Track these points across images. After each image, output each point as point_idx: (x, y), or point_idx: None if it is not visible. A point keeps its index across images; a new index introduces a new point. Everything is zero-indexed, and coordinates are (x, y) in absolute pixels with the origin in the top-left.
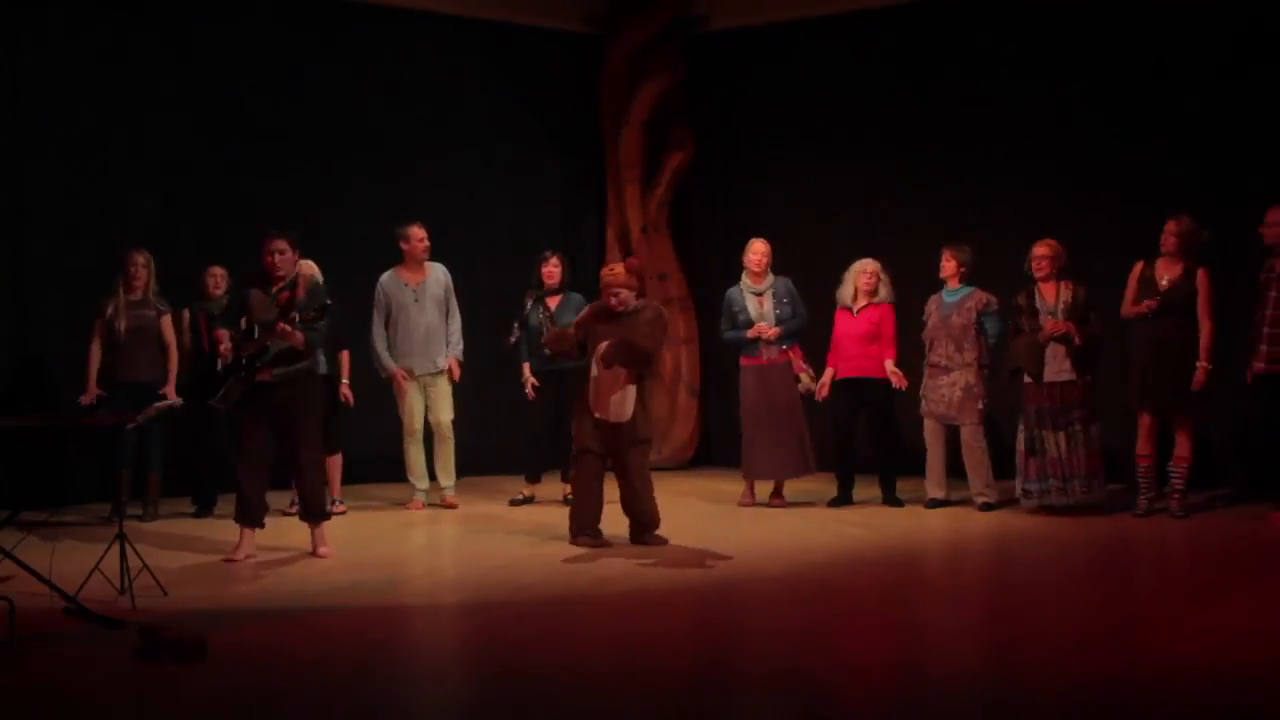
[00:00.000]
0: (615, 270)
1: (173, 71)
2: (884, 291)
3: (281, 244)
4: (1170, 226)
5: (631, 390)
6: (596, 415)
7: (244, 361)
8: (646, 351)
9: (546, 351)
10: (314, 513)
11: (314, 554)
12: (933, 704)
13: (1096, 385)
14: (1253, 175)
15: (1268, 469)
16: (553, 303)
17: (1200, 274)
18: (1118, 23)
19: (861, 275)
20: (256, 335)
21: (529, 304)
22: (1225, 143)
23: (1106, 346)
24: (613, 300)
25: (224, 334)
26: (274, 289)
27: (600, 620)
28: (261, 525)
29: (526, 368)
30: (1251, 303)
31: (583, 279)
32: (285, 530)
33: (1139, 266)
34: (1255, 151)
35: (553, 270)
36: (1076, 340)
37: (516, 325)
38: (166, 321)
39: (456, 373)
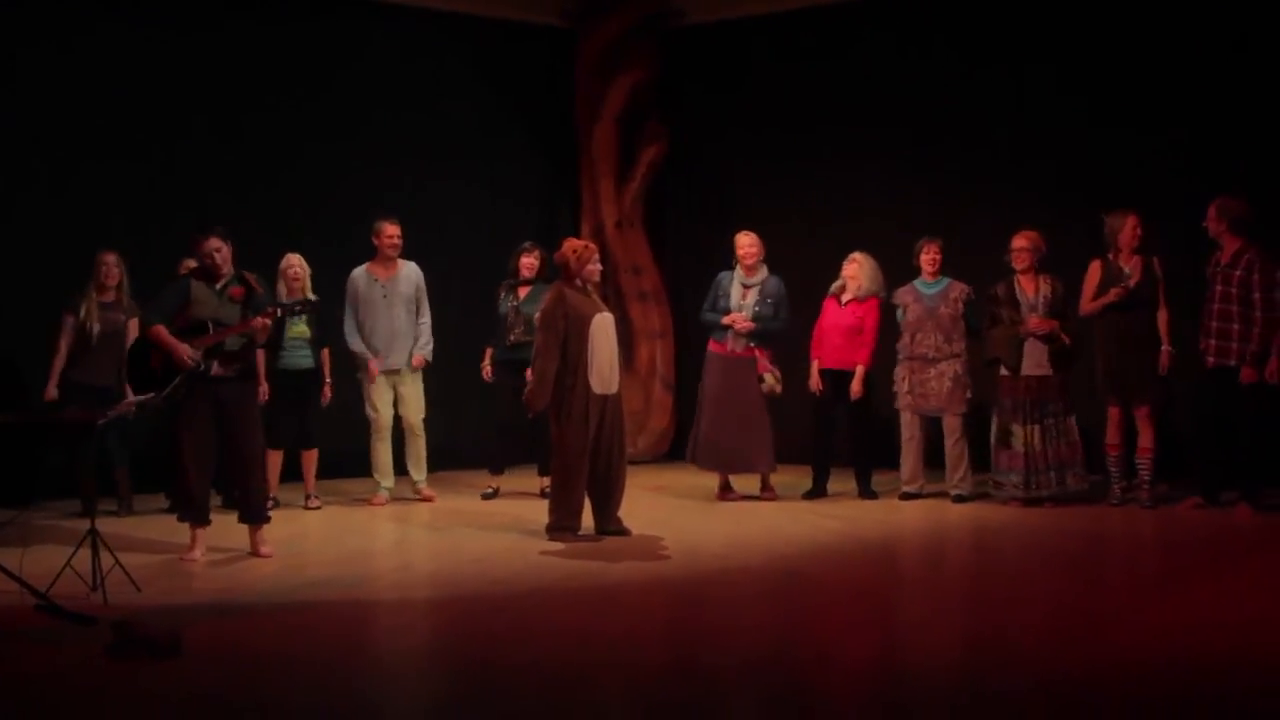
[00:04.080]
0: (594, 247)
1: (150, 67)
2: (869, 285)
3: (218, 243)
4: (1134, 221)
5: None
6: (600, 392)
7: (201, 358)
8: None
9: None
10: (256, 514)
11: (256, 554)
12: (908, 696)
13: (1071, 380)
14: (1216, 170)
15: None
16: (522, 292)
17: (1156, 262)
18: (1094, 20)
19: (846, 265)
20: (211, 330)
21: (502, 294)
22: (1187, 140)
23: (1081, 342)
24: (597, 272)
25: (185, 349)
26: (219, 284)
27: (576, 614)
28: (209, 523)
29: (489, 354)
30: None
31: None
32: (233, 530)
33: (1097, 263)
34: (1219, 148)
35: (533, 262)
36: (1065, 340)
37: (488, 369)
38: (134, 325)
39: (417, 364)
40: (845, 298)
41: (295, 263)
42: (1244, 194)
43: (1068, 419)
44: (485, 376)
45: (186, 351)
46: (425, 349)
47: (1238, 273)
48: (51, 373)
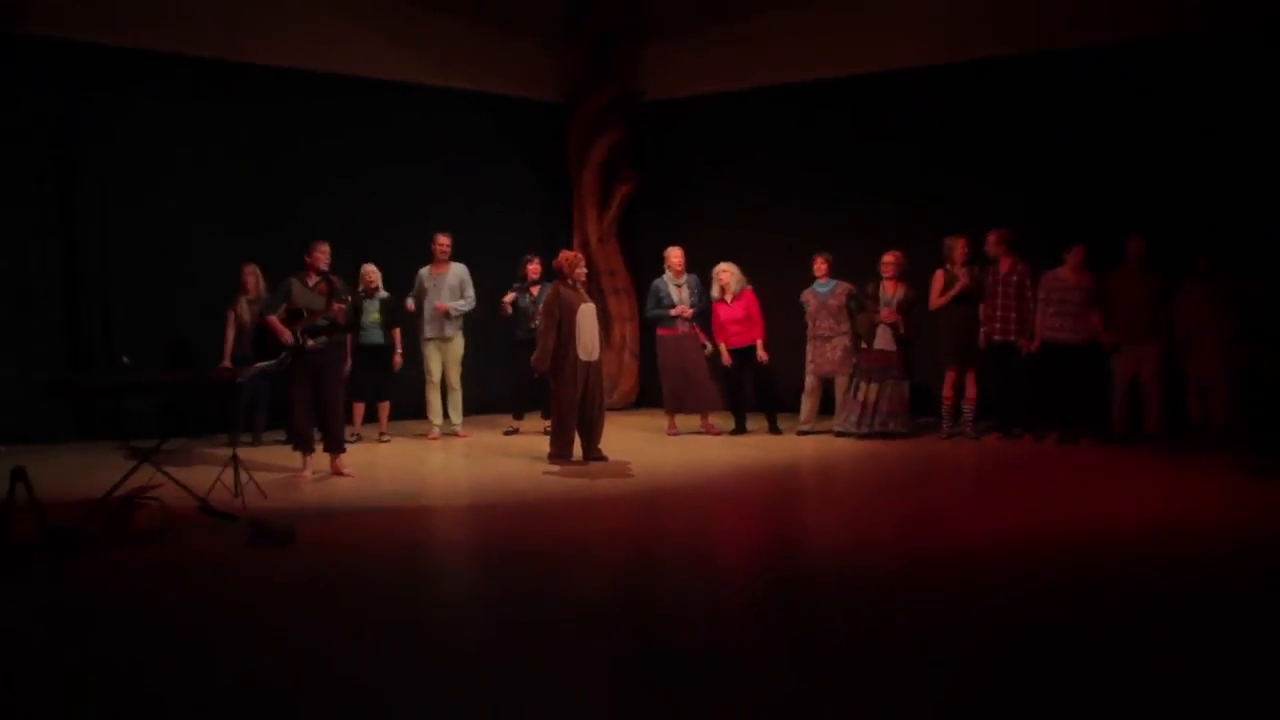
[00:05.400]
0: (581, 256)
1: (285, 151)
2: (736, 284)
3: (326, 247)
4: (964, 242)
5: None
6: (584, 359)
7: (299, 335)
8: None
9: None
10: (336, 446)
11: (339, 474)
12: (804, 575)
13: (911, 356)
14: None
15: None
16: (534, 291)
17: (978, 271)
18: (946, 110)
19: (719, 275)
20: (305, 316)
21: (519, 294)
22: (994, 188)
23: (921, 331)
24: (583, 274)
25: (286, 331)
26: (311, 282)
27: (569, 517)
28: (313, 451)
29: (510, 297)
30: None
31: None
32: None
33: (940, 272)
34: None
35: (537, 267)
36: (901, 330)
37: (508, 304)
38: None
39: (440, 308)
40: (728, 297)
41: (371, 270)
42: (1015, 224)
43: (902, 383)
44: (505, 309)
45: (286, 333)
46: (452, 305)
47: (1014, 278)
48: (225, 353)
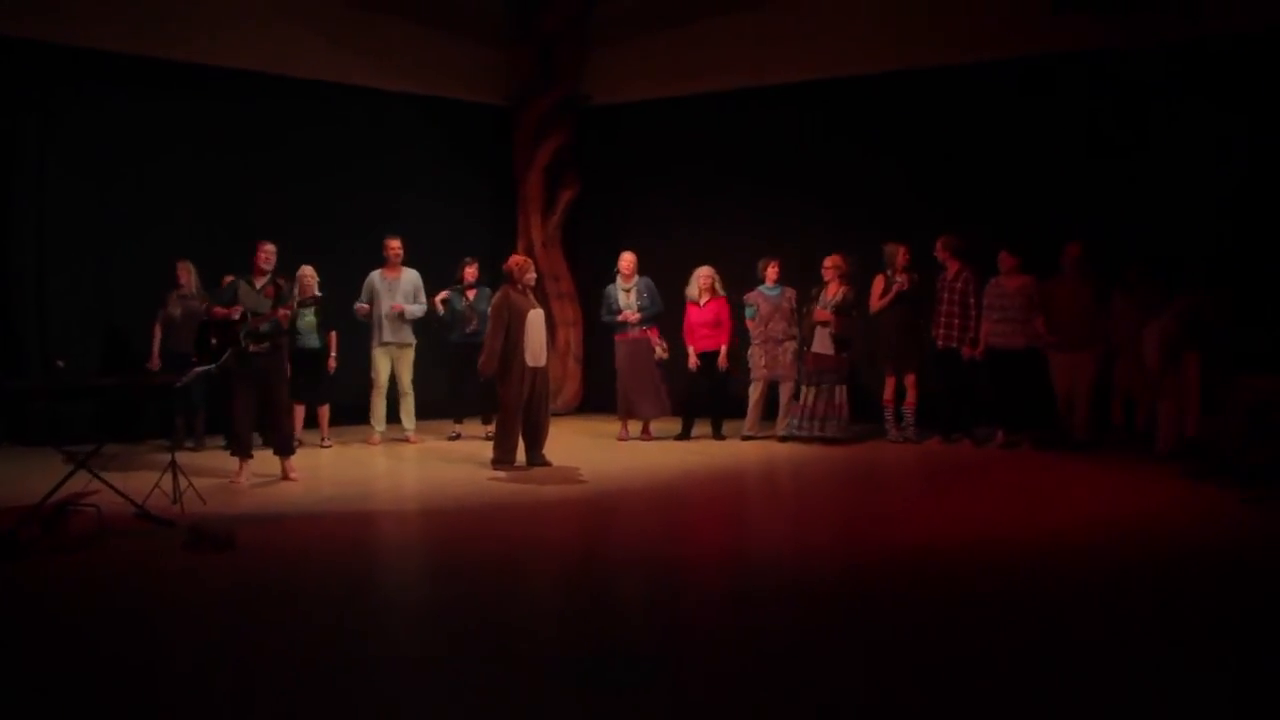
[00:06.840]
0: (531, 261)
1: (215, 146)
2: (717, 289)
3: (272, 246)
4: (904, 249)
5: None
6: (532, 364)
7: (242, 339)
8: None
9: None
10: (285, 448)
11: (287, 479)
12: (749, 578)
13: (850, 361)
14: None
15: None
16: (471, 294)
17: (917, 277)
18: (880, 117)
19: (701, 278)
20: (249, 319)
21: (451, 295)
22: (935, 195)
23: (862, 333)
24: (532, 279)
25: (230, 311)
26: (259, 284)
27: (514, 522)
28: (251, 456)
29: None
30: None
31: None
32: (269, 462)
33: (880, 276)
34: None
35: (475, 271)
36: (833, 330)
37: (438, 302)
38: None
39: (396, 309)
40: (703, 300)
41: (308, 272)
42: (960, 230)
43: (838, 386)
44: (436, 307)
45: (234, 311)
46: (408, 308)
47: (959, 285)
48: (153, 351)
